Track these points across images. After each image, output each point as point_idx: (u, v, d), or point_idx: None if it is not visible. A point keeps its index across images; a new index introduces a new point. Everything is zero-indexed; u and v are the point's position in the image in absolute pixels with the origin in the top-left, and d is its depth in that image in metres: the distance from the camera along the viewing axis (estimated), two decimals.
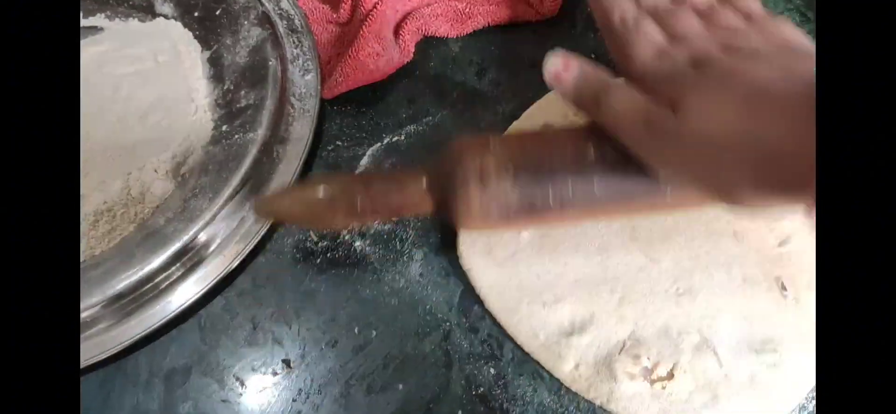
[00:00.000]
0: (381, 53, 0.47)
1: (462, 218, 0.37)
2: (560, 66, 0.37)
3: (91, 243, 0.43)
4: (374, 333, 0.41)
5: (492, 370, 0.40)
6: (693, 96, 0.30)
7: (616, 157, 0.35)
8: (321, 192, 0.37)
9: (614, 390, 0.39)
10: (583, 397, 0.39)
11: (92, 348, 0.41)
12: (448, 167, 0.36)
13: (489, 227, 0.38)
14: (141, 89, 0.49)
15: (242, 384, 0.40)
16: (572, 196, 0.36)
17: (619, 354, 0.40)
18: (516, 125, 0.48)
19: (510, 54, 0.52)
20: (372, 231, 0.44)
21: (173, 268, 0.42)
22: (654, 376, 0.40)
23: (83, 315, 0.41)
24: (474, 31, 0.52)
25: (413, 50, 0.49)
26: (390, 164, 0.47)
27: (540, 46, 0.52)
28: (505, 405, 0.39)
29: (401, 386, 0.39)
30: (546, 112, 0.48)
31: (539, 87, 0.49)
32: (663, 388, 0.39)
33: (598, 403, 0.39)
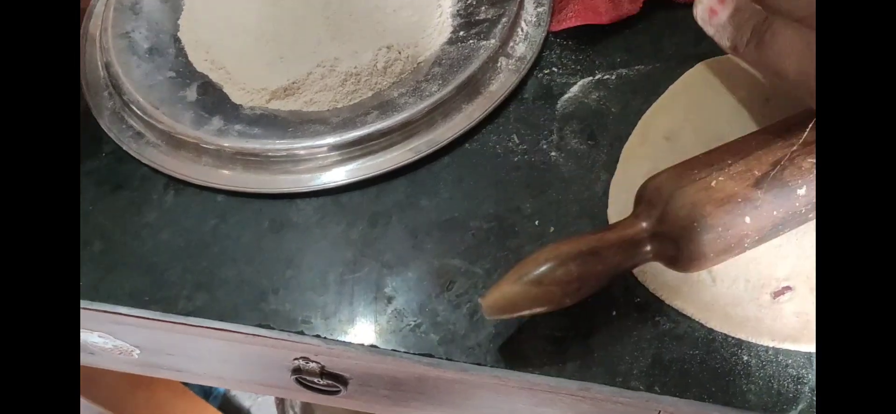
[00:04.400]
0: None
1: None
2: (714, 2, 0.37)
3: (337, 98, 0.52)
4: (552, 228, 0.46)
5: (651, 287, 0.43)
6: None
7: None
8: (542, 267, 0.37)
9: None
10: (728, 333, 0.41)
11: (318, 180, 0.49)
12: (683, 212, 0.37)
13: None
14: None
15: (432, 241, 0.47)
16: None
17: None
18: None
19: None
20: (568, 147, 0.49)
21: (396, 133, 0.50)
22: None
23: (315, 151, 0.49)
24: None
25: (641, 5, 0.53)
26: (596, 97, 0.51)
27: None
28: (657, 317, 0.42)
29: None
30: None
31: None
32: None
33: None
